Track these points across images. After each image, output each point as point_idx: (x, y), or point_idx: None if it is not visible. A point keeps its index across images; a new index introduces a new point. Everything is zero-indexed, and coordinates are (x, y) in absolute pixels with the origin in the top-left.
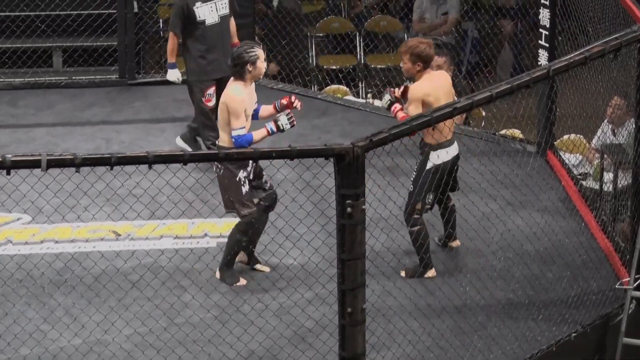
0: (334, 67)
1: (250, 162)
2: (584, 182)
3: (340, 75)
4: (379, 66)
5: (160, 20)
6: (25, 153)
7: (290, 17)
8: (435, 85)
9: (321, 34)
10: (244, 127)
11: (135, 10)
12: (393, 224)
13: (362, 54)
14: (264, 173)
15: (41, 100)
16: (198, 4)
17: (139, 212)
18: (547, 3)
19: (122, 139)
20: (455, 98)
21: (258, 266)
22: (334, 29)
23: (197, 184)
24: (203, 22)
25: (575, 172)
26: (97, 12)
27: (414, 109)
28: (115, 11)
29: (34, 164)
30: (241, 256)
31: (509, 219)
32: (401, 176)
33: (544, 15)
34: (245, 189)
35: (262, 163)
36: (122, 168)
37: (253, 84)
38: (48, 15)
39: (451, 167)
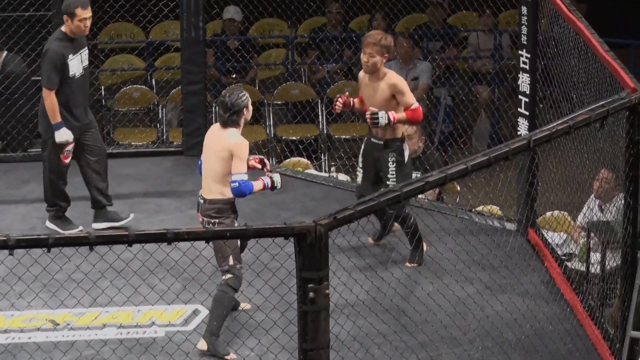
0: (294, 138)
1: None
2: (568, 263)
3: (301, 147)
4: (344, 136)
5: (102, 87)
6: None
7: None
8: None
9: (280, 102)
10: (246, 174)
11: None
12: (360, 310)
13: (324, 123)
14: None
15: None
16: (70, 56)
17: (79, 298)
18: (527, 67)
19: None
20: None
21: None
22: (293, 96)
23: (144, 267)
24: (73, 76)
25: (559, 252)
26: (34, 78)
27: (411, 98)
28: None
29: None
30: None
31: (487, 304)
32: (368, 257)
33: (524, 81)
34: (238, 243)
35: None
36: (60, 250)
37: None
38: None
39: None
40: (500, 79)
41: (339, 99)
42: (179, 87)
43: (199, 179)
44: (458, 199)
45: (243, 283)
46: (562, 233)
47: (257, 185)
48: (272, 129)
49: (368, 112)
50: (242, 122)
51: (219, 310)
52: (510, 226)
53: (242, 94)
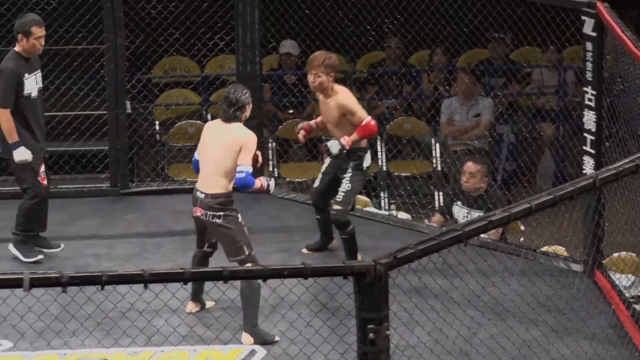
0: None
1: None
2: (637, 306)
3: None
4: (403, 174)
5: (157, 122)
6: (5, 271)
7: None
8: None
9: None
10: (251, 168)
11: (128, 111)
12: (421, 352)
13: (384, 160)
14: None
15: None
16: (26, 75)
17: (133, 337)
18: (593, 105)
19: (114, 255)
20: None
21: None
22: None
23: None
24: (29, 95)
25: (627, 294)
26: (84, 113)
27: (362, 113)
28: (105, 112)
29: (15, 283)
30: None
31: (552, 347)
32: (430, 298)
33: (589, 118)
34: (246, 229)
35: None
36: (114, 288)
37: None
38: None
39: None
40: (565, 116)
41: (300, 131)
42: None
43: (257, 215)
44: (522, 239)
45: (301, 323)
46: (629, 275)
47: (257, 183)
48: None
49: (322, 145)
50: (243, 118)
51: (250, 301)
52: (576, 267)
53: (245, 90)
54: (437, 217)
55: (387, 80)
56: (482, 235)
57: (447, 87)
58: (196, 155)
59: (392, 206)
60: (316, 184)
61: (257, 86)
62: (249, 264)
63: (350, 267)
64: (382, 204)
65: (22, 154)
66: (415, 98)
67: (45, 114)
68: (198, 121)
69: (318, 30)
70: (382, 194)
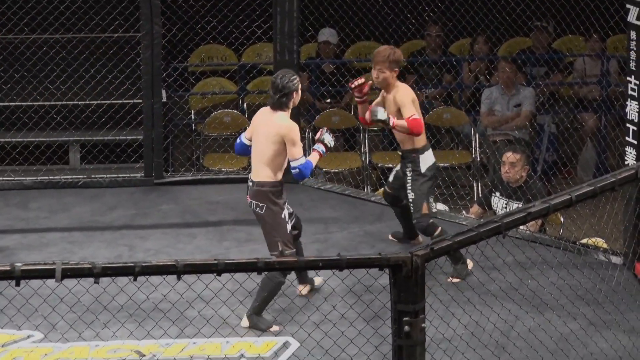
0: (390, 165)
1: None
2: None
3: None
4: (442, 164)
5: (192, 111)
6: (37, 261)
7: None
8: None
9: (376, 128)
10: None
11: (164, 100)
12: (457, 345)
13: None
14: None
15: (55, 201)
16: None
17: (166, 329)
18: (636, 95)
19: (147, 246)
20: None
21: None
22: None
23: (233, 298)
24: None
25: None
26: (119, 102)
27: (411, 109)
28: (140, 101)
29: (47, 274)
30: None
31: (591, 340)
32: (466, 290)
33: (632, 109)
34: (288, 227)
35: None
36: (147, 279)
37: None
38: (64, 106)
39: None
40: (607, 106)
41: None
42: None
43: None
44: (562, 231)
45: (336, 315)
46: None
47: (314, 158)
48: (367, 156)
49: (357, 84)
50: (290, 105)
51: (266, 294)
52: (616, 260)
53: (293, 77)
54: (475, 209)
55: (426, 69)
56: (521, 227)
57: (488, 77)
58: (242, 138)
59: (430, 197)
60: (390, 177)
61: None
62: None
63: (386, 258)
64: None
65: None
66: (455, 87)
67: (80, 102)
68: (234, 110)
69: (357, 19)
70: None
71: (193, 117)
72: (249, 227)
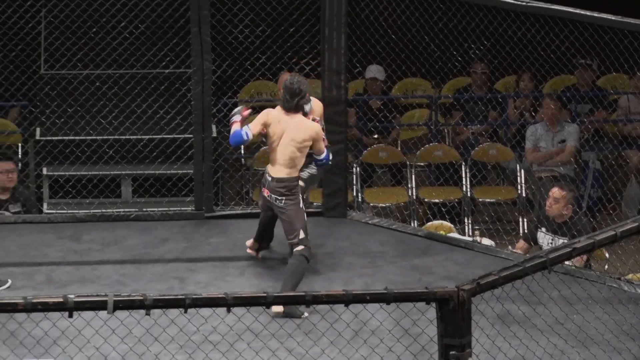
0: (437, 201)
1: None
2: None
3: (444, 210)
4: (488, 200)
5: (242, 146)
6: (90, 293)
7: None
8: None
9: (422, 163)
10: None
11: (214, 134)
12: None
13: (468, 185)
14: None
15: (108, 234)
16: None
17: None
18: None
19: (197, 278)
20: None
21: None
22: (436, 157)
23: (282, 330)
24: None
25: None
26: (171, 136)
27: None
28: (191, 136)
29: (99, 306)
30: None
31: None
32: (512, 325)
33: None
34: (306, 216)
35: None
36: (197, 311)
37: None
38: (117, 140)
39: None
40: None
41: None
42: None
43: (340, 240)
44: (607, 266)
45: (383, 348)
46: None
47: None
48: (414, 191)
49: None
50: (307, 108)
51: (293, 279)
52: None
53: (304, 80)
54: (521, 244)
55: (472, 106)
56: (566, 262)
57: (533, 114)
58: (248, 134)
59: (476, 232)
60: None
61: (342, 111)
62: (301, 247)
63: (433, 293)
64: (466, 230)
65: None
66: (500, 124)
67: (132, 136)
68: None
69: (404, 55)
70: (466, 220)
71: (242, 152)
72: None
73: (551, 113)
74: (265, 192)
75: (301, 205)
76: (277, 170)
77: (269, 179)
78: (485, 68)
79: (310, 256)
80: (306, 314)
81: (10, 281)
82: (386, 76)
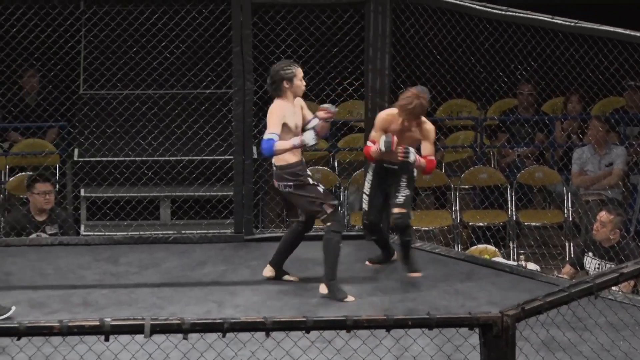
0: (481, 224)
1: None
2: None
3: (488, 234)
4: (533, 224)
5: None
6: (127, 317)
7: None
8: None
9: (466, 186)
10: (275, 134)
11: (255, 156)
12: None
13: (513, 209)
14: None
15: (146, 256)
16: None
17: None
18: None
19: (236, 302)
20: None
21: (286, 277)
22: (481, 180)
23: (322, 355)
24: None
25: None
26: (210, 158)
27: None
28: (231, 157)
29: (136, 329)
30: (268, 271)
31: None
32: (558, 351)
33: None
34: (321, 188)
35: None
36: (235, 335)
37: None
38: (156, 161)
39: None
40: None
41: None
42: (362, 170)
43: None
44: None
45: None
46: None
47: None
48: (458, 214)
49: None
50: (281, 94)
51: (331, 256)
52: None
53: (287, 67)
54: (567, 269)
55: (518, 128)
56: (614, 288)
57: (581, 136)
58: (276, 137)
59: (521, 256)
60: (366, 205)
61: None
62: (331, 221)
63: (476, 318)
64: (511, 254)
65: None
66: (547, 146)
67: (172, 158)
68: (325, 167)
69: (449, 77)
70: (511, 244)
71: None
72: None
73: (599, 135)
74: (275, 183)
75: (311, 181)
76: (275, 159)
77: (273, 169)
78: (532, 89)
79: (341, 228)
80: (351, 298)
81: (14, 308)
82: (431, 97)
